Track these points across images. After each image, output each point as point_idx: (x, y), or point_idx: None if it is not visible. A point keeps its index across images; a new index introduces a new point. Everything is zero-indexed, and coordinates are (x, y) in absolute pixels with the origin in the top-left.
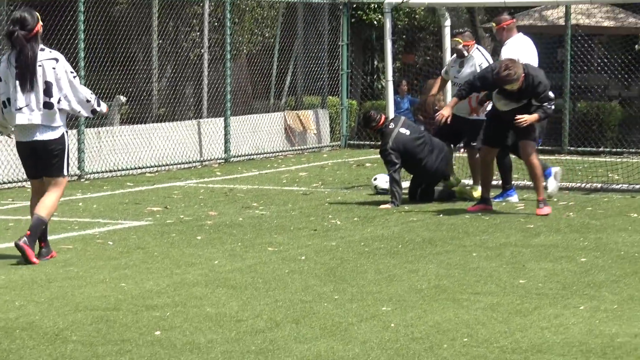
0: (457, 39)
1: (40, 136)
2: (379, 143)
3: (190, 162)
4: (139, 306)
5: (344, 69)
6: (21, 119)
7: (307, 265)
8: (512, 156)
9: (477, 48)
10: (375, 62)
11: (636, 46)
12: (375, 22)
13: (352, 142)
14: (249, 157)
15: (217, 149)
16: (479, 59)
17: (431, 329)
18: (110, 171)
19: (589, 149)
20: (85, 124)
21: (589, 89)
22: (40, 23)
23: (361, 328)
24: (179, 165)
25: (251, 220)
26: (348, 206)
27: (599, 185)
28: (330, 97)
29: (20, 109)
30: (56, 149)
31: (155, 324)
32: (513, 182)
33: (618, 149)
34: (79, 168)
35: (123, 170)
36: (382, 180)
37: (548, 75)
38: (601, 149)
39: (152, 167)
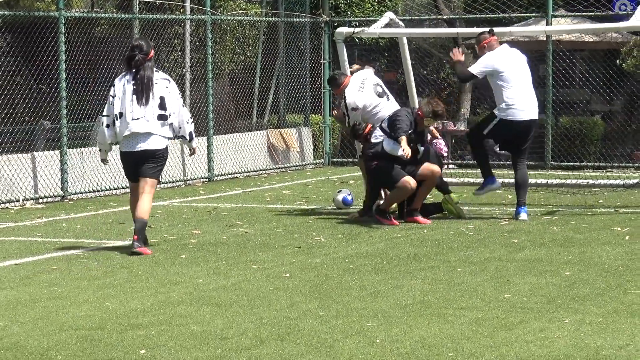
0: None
1: (150, 146)
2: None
3: (173, 182)
4: (123, 325)
5: (326, 87)
6: (137, 127)
7: (291, 282)
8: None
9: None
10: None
11: (617, 61)
12: (357, 40)
13: (335, 159)
14: (232, 175)
15: (200, 168)
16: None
17: (417, 344)
18: (94, 191)
19: (572, 163)
20: (68, 145)
21: (571, 104)
22: (153, 50)
23: (347, 344)
24: (162, 185)
25: (235, 238)
26: (332, 223)
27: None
28: (313, 115)
29: (138, 119)
30: (162, 157)
31: (140, 343)
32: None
33: (601, 163)
34: (62, 189)
35: (106, 190)
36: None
37: None
38: (584, 163)
39: None
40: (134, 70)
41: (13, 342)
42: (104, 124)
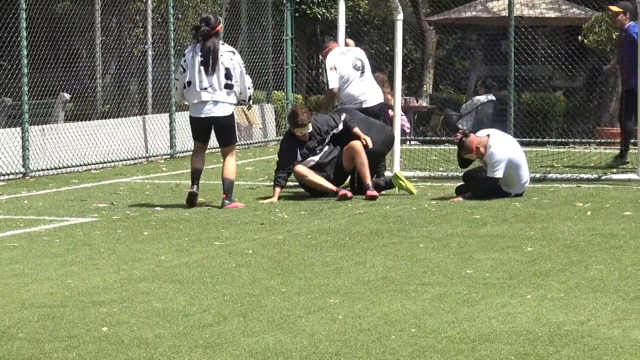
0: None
1: (217, 113)
2: None
3: (135, 159)
4: (85, 302)
5: (288, 64)
6: (206, 96)
7: (254, 259)
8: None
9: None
10: (320, 56)
11: (579, 37)
12: (319, 16)
13: None
14: None
15: (162, 144)
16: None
17: (379, 320)
18: (56, 168)
19: (534, 139)
20: (29, 122)
21: (533, 80)
22: (221, 24)
23: (309, 320)
24: (124, 162)
25: (198, 215)
26: (295, 200)
27: (544, 175)
28: (276, 91)
29: (205, 88)
30: (230, 123)
31: (102, 320)
32: None
33: (563, 139)
34: (23, 166)
35: (68, 167)
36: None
37: (493, 68)
38: (546, 139)
39: (97, 163)
40: (202, 43)
41: None
42: (175, 87)
